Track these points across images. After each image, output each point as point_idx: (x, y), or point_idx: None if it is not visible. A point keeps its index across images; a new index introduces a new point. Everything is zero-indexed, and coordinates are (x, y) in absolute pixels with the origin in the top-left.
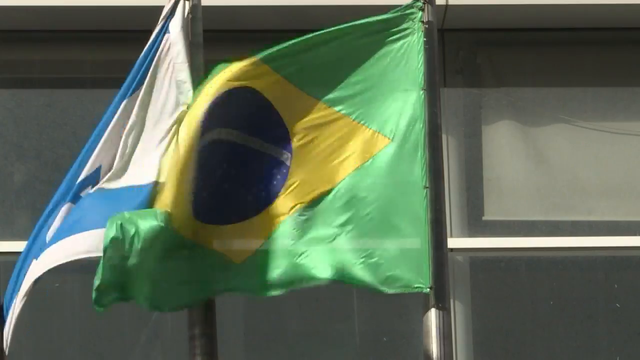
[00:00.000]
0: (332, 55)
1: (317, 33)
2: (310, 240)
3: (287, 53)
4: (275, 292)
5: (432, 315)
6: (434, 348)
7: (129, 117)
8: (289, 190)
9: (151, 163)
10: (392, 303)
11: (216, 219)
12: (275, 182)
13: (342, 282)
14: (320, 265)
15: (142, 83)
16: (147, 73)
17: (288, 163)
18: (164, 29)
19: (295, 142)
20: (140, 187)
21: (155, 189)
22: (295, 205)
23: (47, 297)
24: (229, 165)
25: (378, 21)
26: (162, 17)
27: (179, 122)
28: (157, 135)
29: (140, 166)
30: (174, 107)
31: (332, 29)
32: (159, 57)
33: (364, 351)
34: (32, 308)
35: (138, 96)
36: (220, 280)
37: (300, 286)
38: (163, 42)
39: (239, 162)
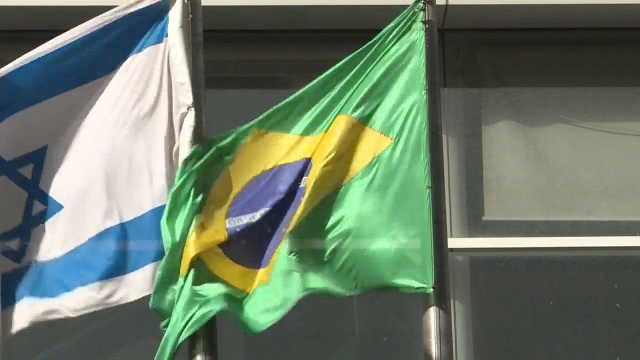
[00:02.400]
0: (343, 74)
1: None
2: (313, 247)
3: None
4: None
5: (432, 315)
6: (434, 348)
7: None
8: (303, 199)
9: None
10: (392, 303)
11: (253, 262)
12: (295, 203)
13: (348, 294)
14: (324, 278)
15: (109, 73)
16: (120, 67)
17: (304, 185)
18: (151, 32)
19: (313, 161)
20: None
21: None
22: (305, 209)
23: None
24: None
25: (386, 31)
26: (144, 11)
27: (181, 123)
28: (156, 142)
29: (145, 183)
30: (171, 108)
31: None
32: (155, 62)
33: (364, 351)
34: None
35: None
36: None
37: (303, 295)
38: (157, 47)
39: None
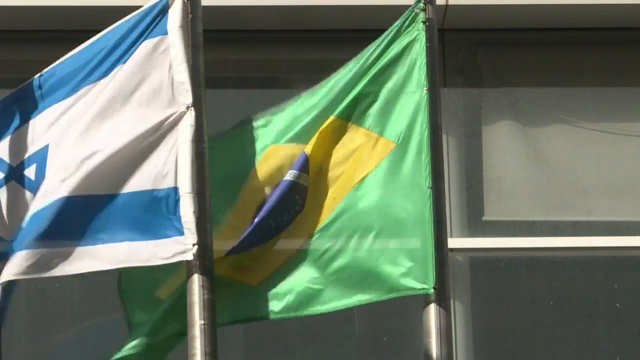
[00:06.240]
0: (345, 75)
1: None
2: (321, 262)
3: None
4: (284, 316)
5: (433, 314)
6: (434, 348)
7: (91, 107)
8: (307, 211)
9: (159, 166)
10: (392, 303)
11: (237, 249)
12: (296, 206)
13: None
14: (331, 293)
15: (110, 72)
16: (119, 65)
17: (306, 184)
18: (151, 28)
19: (311, 161)
20: (153, 191)
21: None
22: (313, 226)
23: (47, 297)
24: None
25: (387, 32)
26: (145, 10)
27: (177, 122)
28: (153, 137)
29: (138, 169)
30: (170, 107)
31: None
32: (152, 57)
33: (364, 351)
34: (32, 308)
35: (108, 86)
36: (241, 307)
37: (310, 313)
38: (156, 41)
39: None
